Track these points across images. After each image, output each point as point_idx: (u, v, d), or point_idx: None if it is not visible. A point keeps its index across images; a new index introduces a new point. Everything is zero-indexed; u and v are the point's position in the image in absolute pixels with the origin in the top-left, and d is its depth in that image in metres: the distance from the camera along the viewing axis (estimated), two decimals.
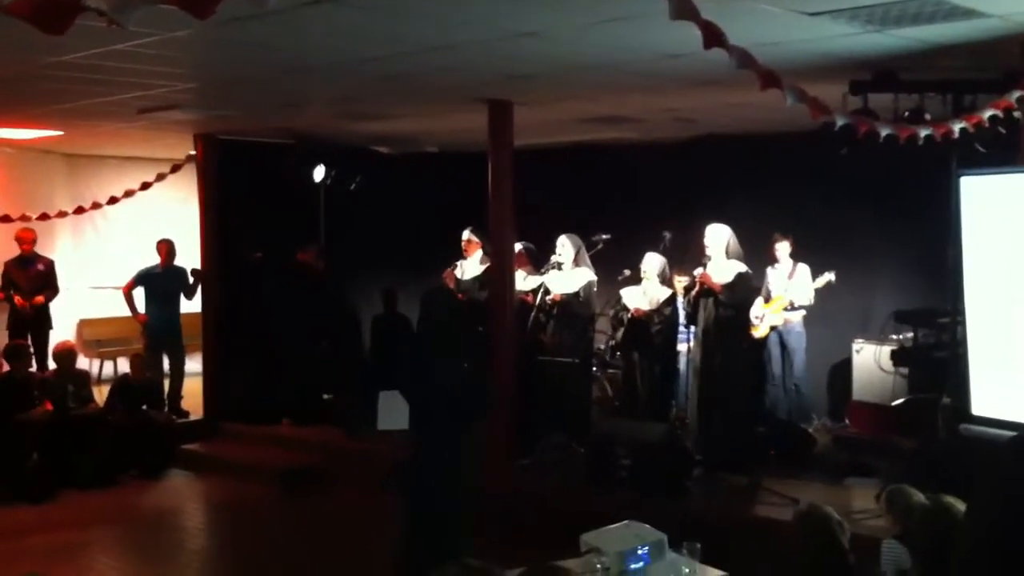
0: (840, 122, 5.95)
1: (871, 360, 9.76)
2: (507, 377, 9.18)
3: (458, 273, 10.65)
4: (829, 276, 9.83)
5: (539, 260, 10.25)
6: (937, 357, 8.58)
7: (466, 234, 10.64)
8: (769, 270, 10.20)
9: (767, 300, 10.07)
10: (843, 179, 9.35)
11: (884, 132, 6.20)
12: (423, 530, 6.29)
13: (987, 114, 6.39)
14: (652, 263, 9.39)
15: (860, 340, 10.04)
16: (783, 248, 10.19)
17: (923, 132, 6.31)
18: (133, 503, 9.59)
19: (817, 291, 9.93)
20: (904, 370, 9.41)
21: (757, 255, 9.56)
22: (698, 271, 8.91)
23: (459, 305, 7.68)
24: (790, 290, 10.02)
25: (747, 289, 8.99)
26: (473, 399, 6.45)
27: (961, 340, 6.82)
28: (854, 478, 8.35)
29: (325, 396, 11.26)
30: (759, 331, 9.91)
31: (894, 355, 9.36)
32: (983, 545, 2.02)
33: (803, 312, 10.08)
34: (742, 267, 8.83)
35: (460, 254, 10.71)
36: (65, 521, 8.81)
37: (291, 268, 11.52)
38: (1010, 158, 6.68)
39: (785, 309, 10.02)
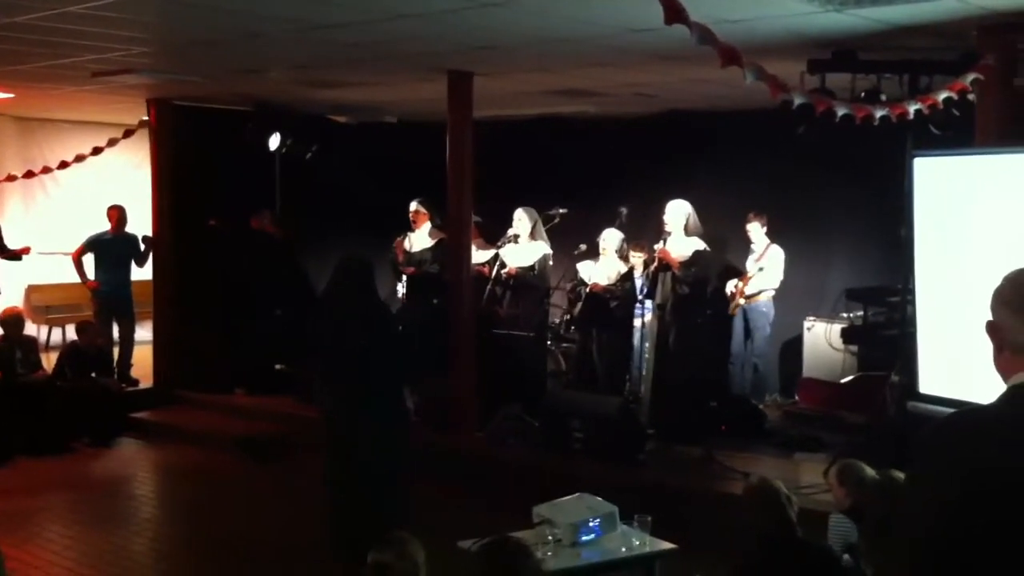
0: (798, 100, 6.00)
1: (822, 338, 9.87)
2: (466, 349, 9.20)
3: (407, 245, 10.54)
4: (762, 264, 9.92)
5: (489, 233, 10.22)
6: (887, 335, 8.69)
7: (414, 205, 10.47)
8: (751, 254, 10.24)
9: (741, 279, 10.10)
10: (799, 158, 9.41)
11: (841, 112, 6.26)
12: (354, 495, 6.38)
13: (942, 96, 6.47)
14: (612, 238, 9.42)
15: (811, 318, 10.14)
16: (755, 228, 10.18)
17: (879, 112, 6.38)
18: (84, 471, 9.51)
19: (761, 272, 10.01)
20: (854, 348, 9.54)
21: (715, 231, 9.60)
22: (658, 246, 8.95)
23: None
24: (754, 271, 10.05)
25: (705, 267, 9.05)
26: (395, 364, 6.53)
27: (911, 319, 6.92)
28: (803, 453, 8.47)
29: (278, 366, 11.20)
30: (731, 308, 9.99)
31: (844, 333, 9.47)
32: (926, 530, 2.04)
33: (771, 292, 10.13)
34: (701, 244, 8.88)
35: (410, 226, 10.62)
36: (15, 488, 8.71)
37: (246, 235, 11.43)
38: (964, 141, 6.76)
39: (742, 292, 10.05)
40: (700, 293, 9.12)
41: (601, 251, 9.46)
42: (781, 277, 10.06)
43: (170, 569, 7.22)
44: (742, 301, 10.05)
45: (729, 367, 10.22)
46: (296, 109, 11.86)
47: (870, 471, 4.71)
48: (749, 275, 10.03)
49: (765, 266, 9.97)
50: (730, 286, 10.02)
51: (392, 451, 6.44)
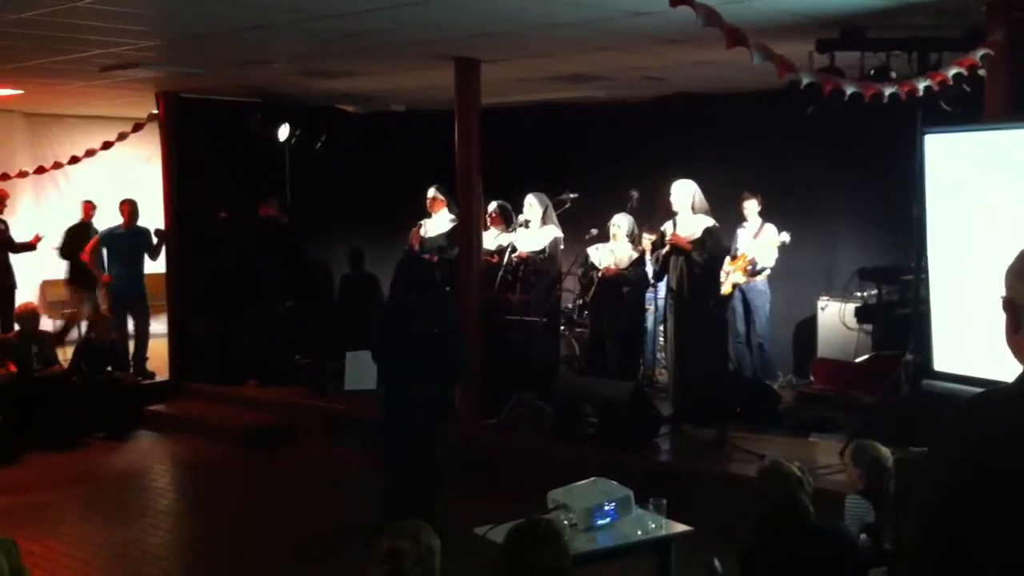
0: (806, 80, 5.97)
1: (836, 317, 9.84)
2: (474, 338, 9.19)
3: (423, 232, 10.58)
4: (784, 237, 9.88)
5: (513, 219, 10.22)
6: (901, 314, 8.65)
7: (431, 192, 10.55)
8: (739, 230, 10.23)
9: (733, 258, 10.10)
10: (810, 137, 9.38)
11: (849, 90, 6.23)
12: (400, 487, 6.41)
13: (952, 72, 6.43)
14: (623, 222, 9.40)
15: (825, 297, 10.12)
16: (751, 207, 10.20)
17: (888, 90, 6.35)
18: (99, 464, 9.54)
19: (778, 249, 9.98)
20: (868, 327, 9.50)
21: (725, 214, 9.57)
22: (667, 227, 8.92)
23: (433, 271, 7.78)
24: (753, 250, 10.05)
25: (717, 243, 9.02)
26: (452, 361, 6.61)
27: (924, 297, 6.89)
28: (818, 434, 8.44)
29: (297, 357, 11.20)
30: (724, 288, 9.97)
31: (858, 312, 9.43)
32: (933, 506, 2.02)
33: (767, 271, 10.12)
34: (710, 221, 8.85)
35: (426, 213, 10.66)
36: (31, 483, 8.76)
37: (256, 227, 11.44)
38: (974, 117, 6.72)
39: (746, 271, 10.03)
40: (713, 273, 9.08)
41: (612, 236, 9.44)
42: (777, 255, 10.06)
43: (186, 561, 7.25)
44: (741, 280, 10.03)
45: (736, 347, 10.21)
46: (303, 100, 11.86)
47: (885, 451, 4.70)
48: (744, 254, 10.03)
49: (762, 243, 9.99)
50: (724, 267, 9.98)
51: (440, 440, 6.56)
